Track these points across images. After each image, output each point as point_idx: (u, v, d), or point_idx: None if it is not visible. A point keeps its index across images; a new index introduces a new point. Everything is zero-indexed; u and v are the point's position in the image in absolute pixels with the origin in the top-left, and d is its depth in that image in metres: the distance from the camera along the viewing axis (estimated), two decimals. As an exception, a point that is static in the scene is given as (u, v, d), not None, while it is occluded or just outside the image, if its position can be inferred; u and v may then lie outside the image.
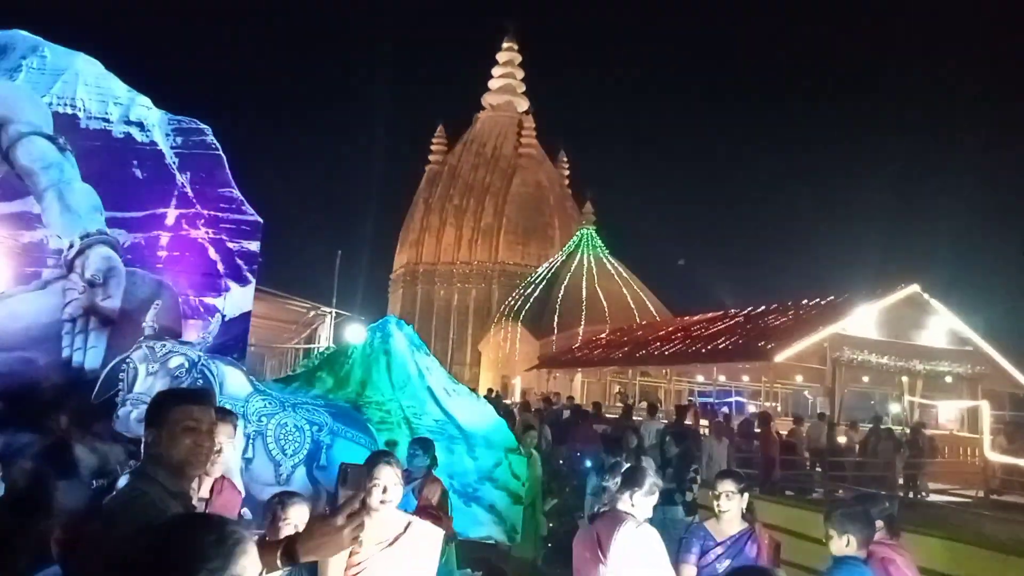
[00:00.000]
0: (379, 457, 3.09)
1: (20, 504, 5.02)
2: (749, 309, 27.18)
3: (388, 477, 2.98)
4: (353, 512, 1.68)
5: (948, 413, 22.42)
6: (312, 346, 16.26)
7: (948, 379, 21.10)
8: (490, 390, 18.05)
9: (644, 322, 33.32)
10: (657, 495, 3.52)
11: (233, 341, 9.03)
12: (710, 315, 28.94)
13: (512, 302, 37.23)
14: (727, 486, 3.83)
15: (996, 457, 14.69)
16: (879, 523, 3.51)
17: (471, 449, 6.68)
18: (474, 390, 18.15)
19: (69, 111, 8.84)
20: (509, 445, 7.07)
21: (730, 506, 3.79)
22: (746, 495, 3.90)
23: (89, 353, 5.92)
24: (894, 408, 22.84)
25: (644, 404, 17.09)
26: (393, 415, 6.70)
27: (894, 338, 20.75)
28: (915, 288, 21.63)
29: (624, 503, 3.38)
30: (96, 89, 9.06)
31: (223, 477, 2.99)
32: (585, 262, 36.73)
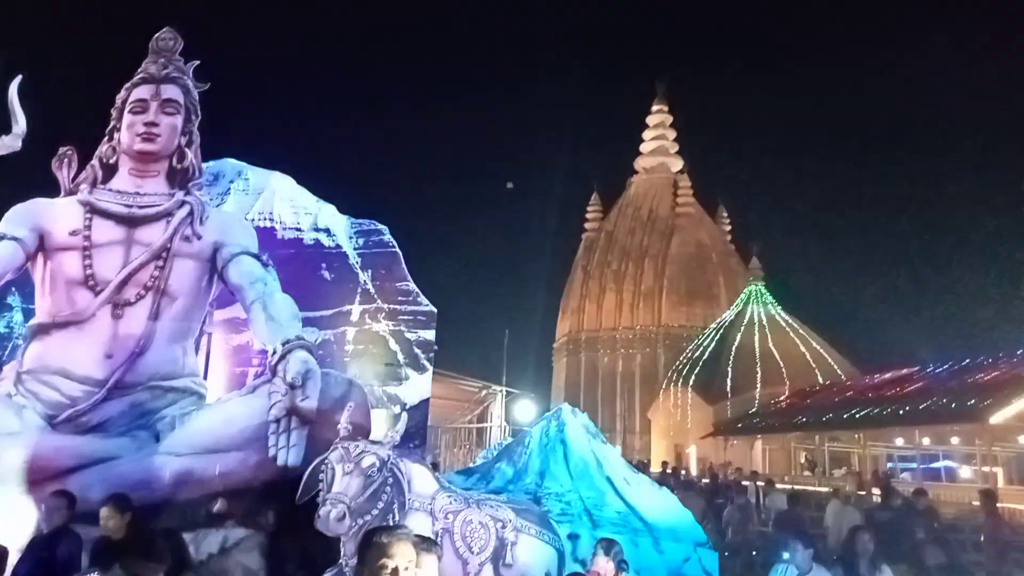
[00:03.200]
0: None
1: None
2: (951, 363, 24.41)
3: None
4: None
5: None
6: (484, 425, 16.60)
7: None
8: (664, 464, 17.34)
9: (828, 381, 30.89)
10: None
11: (414, 427, 9.48)
12: (904, 372, 26.30)
13: (680, 366, 35.98)
14: None
15: None
16: None
17: (656, 543, 6.39)
18: (647, 463, 17.58)
19: (268, 224, 10.01)
20: (698, 539, 6.68)
21: None
22: None
23: (291, 452, 6.37)
24: None
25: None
26: (573, 507, 6.59)
27: None
28: None
29: None
30: (289, 202, 10.19)
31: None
32: (756, 319, 34.90)
